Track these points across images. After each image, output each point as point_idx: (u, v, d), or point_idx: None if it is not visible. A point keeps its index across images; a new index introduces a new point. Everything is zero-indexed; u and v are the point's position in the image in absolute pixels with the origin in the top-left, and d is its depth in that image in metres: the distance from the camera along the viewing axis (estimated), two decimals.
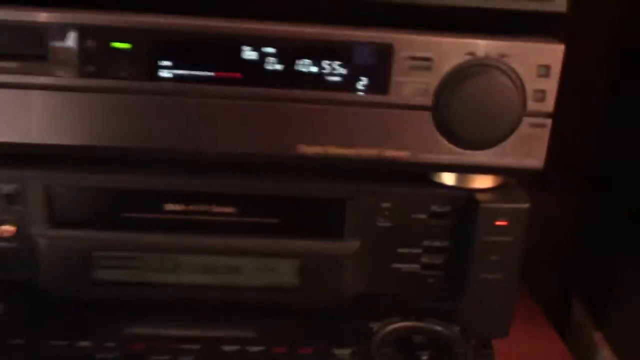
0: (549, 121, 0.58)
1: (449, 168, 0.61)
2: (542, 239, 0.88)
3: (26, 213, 0.62)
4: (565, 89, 0.59)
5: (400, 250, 0.63)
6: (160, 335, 0.59)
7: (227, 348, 0.58)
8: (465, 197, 0.61)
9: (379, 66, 0.56)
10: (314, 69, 0.55)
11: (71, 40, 0.54)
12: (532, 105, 0.57)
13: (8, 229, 0.62)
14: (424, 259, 0.64)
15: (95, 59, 0.55)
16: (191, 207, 0.63)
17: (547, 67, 0.57)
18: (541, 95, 0.57)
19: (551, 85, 0.57)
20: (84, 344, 0.57)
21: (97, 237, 0.62)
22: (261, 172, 0.62)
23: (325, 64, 0.55)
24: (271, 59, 0.55)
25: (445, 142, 0.58)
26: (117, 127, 0.57)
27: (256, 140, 0.57)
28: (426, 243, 0.63)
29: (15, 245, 0.63)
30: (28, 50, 0.55)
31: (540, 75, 0.57)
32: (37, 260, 0.62)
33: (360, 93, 0.56)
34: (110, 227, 0.63)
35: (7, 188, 0.61)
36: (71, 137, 0.58)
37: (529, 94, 0.57)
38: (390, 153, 0.58)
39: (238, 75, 0.55)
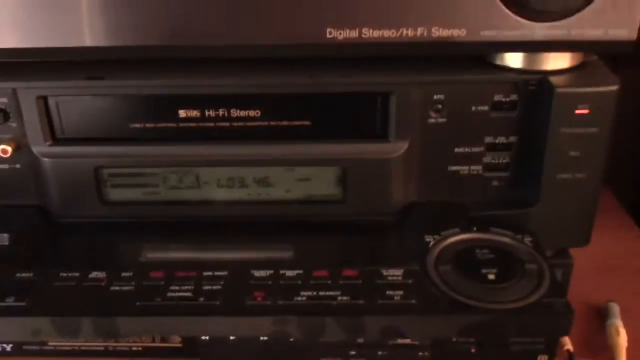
0: None
1: (516, 46, 0.51)
2: (633, 130, 0.77)
3: (23, 130, 0.55)
4: None
5: (457, 149, 0.56)
6: (181, 260, 0.52)
7: (259, 273, 0.50)
8: (536, 82, 0.53)
9: None
10: None
11: None
12: None
13: (5, 148, 0.55)
14: (487, 159, 0.56)
15: None
16: (209, 113, 0.55)
17: None
18: None
19: None
20: (97, 274, 0.51)
21: (105, 152, 0.56)
22: (287, 67, 0.54)
23: None
24: None
25: (511, 14, 0.49)
26: (122, 22, 0.49)
27: (277, 27, 0.50)
28: (488, 140, 0.55)
29: (17, 167, 0.57)
30: None
31: None
32: (41, 182, 0.57)
33: None
34: (119, 140, 0.56)
35: None
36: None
37: None
38: (442, 32, 0.49)
39: None
